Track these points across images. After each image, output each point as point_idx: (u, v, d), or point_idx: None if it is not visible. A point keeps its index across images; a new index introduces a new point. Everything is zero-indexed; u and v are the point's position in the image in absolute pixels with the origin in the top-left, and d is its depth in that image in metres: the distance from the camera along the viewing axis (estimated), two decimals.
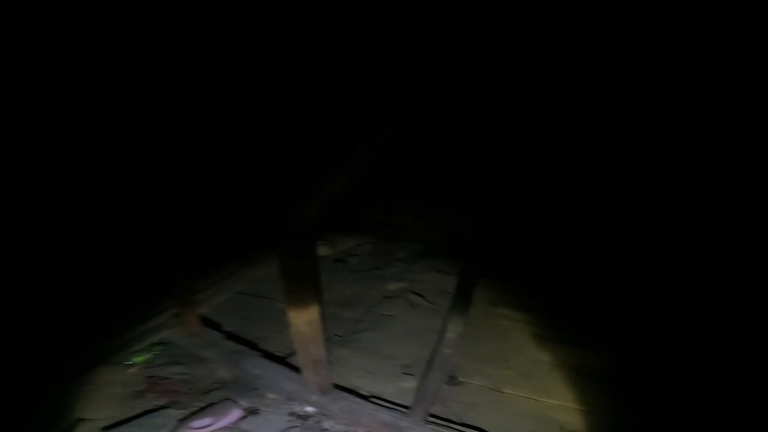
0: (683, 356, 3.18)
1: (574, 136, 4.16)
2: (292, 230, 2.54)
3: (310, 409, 3.03)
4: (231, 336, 3.68)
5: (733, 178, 3.28)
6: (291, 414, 2.98)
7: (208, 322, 3.82)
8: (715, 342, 3.15)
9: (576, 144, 4.23)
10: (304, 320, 2.77)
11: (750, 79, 2.60)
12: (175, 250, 3.33)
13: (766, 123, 2.84)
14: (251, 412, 2.95)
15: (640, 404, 2.95)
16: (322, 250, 5.36)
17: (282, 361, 3.41)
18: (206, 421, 2.73)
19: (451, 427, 2.82)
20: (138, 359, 3.22)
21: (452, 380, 3.26)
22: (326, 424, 2.91)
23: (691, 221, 3.64)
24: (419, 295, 4.47)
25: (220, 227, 4.20)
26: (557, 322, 3.79)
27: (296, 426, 2.87)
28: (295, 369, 3.14)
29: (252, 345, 3.59)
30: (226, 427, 2.78)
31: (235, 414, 2.86)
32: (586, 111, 3.79)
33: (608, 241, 4.19)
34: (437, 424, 2.83)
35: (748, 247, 3.22)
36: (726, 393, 2.86)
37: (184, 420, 2.74)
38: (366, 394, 3.16)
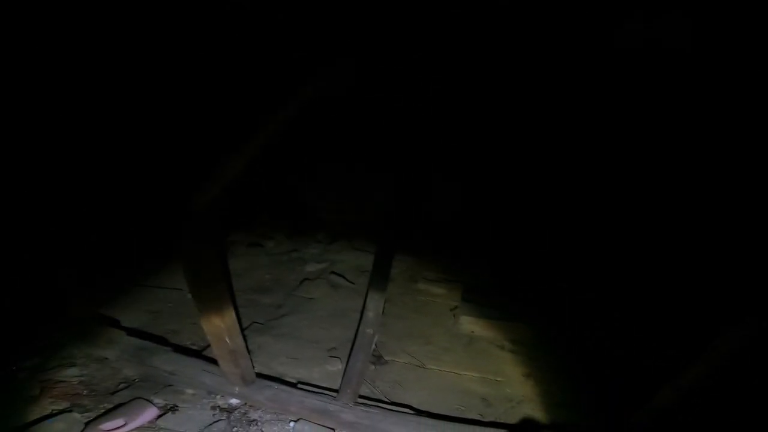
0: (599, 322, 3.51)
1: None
2: (192, 215, 2.38)
3: (234, 401, 2.87)
4: (135, 332, 3.34)
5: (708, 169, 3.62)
6: (214, 408, 2.80)
7: (107, 320, 3.44)
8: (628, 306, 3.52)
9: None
10: (213, 309, 2.62)
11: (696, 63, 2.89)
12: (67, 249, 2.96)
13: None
14: (169, 409, 2.72)
15: (560, 371, 3.22)
16: (236, 236, 5.09)
17: (197, 354, 3.19)
18: (118, 422, 2.47)
19: (381, 407, 2.84)
20: (26, 364, 2.80)
21: (378, 360, 3.29)
22: (254, 415, 2.78)
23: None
24: (340, 275, 4.42)
25: (118, 220, 3.80)
26: (473, 295, 3.97)
27: (222, 419, 2.71)
28: (213, 361, 2.94)
29: (161, 340, 3.30)
30: (141, 427, 2.53)
31: (150, 413, 2.62)
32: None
33: (523, 212, 4.45)
34: (367, 405, 2.84)
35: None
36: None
37: (91, 422, 2.44)
38: (292, 380, 3.07)
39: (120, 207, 3.81)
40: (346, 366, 3.15)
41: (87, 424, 2.43)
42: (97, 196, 3.53)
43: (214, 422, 2.67)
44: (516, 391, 3.06)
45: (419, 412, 2.84)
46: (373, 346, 3.38)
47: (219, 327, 2.65)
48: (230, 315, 2.68)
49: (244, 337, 3.28)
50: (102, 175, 3.44)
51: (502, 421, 2.83)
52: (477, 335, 3.54)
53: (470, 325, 3.60)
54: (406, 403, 2.93)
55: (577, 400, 2.98)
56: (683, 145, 3.63)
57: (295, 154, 4.89)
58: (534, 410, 2.91)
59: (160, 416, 2.64)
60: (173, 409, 2.72)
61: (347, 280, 4.37)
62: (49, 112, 2.87)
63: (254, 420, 2.74)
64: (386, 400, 2.96)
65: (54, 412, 2.47)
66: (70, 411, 2.51)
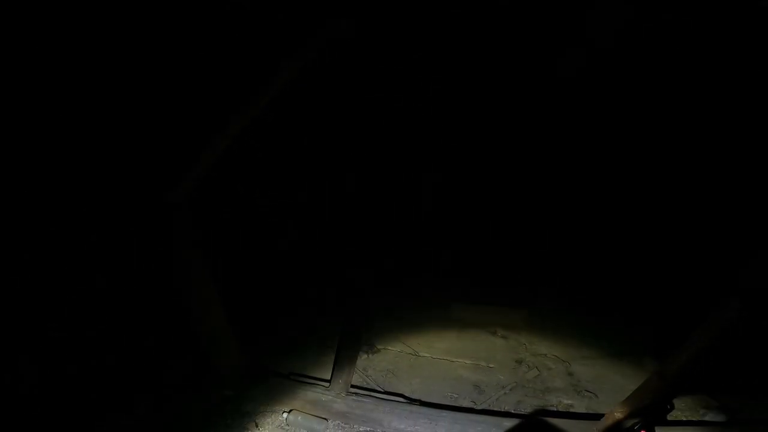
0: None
1: None
2: (168, 204, 2.32)
3: (228, 393, 2.88)
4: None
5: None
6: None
7: None
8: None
9: None
10: (196, 298, 2.60)
11: None
12: None
13: None
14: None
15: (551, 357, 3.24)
16: None
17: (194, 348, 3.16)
18: None
19: (373, 396, 2.86)
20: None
21: (371, 348, 3.29)
22: (247, 407, 2.79)
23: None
24: None
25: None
26: (462, 281, 3.97)
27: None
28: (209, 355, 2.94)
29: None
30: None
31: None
32: None
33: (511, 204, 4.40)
34: (359, 394, 2.85)
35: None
36: None
37: None
38: (284, 372, 3.07)
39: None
40: (337, 356, 3.16)
41: None
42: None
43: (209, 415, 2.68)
44: (508, 377, 3.07)
45: (411, 401, 2.85)
46: (366, 335, 3.40)
47: (206, 320, 2.65)
48: (217, 306, 2.66)
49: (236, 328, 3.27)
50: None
51: (494, 408, 2.86)
52: (468, 321, 3.54)
53: (462, 312, 3.60)
54: (398, 391, 2.94)
55: (570, 386, 3.01)
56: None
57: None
58: (526, 396, 2.93)
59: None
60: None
61: None
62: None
63: (248, 412, 2.75)
64: (379, 389, 2.97)
65: None
66: None
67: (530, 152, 4.08)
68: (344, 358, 3.10)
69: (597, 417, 2.64)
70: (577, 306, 3.68)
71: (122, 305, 3.07)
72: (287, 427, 2.67)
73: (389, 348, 3.32)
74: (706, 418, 2.69)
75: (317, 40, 2.02)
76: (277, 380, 2.91)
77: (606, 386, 2.97)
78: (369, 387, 2.98)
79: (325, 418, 2.73)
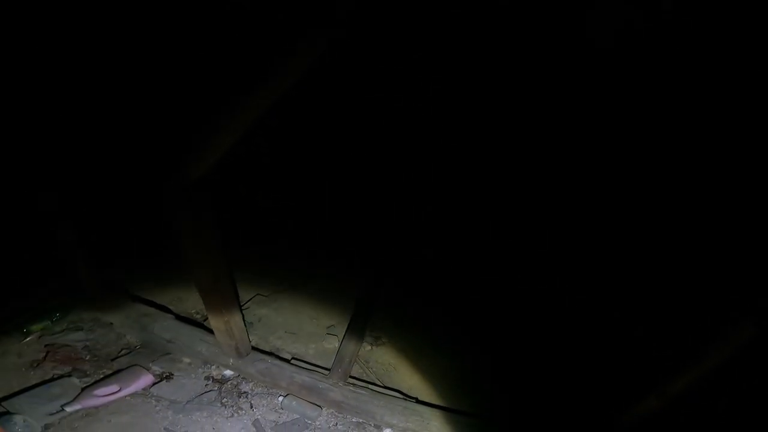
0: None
1: None
2: (188, 182, 2.36)
3: (228, 372, 2.95)
4: (140, 299, 3.45)
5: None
6: (207, 378, 2.89)
7: (116, 285, 3.56)
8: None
9: None
10: (209, 279, 2.64)
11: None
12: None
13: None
14: (164, 377, 2.82)
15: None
16: None
17: (198, 324, 3.26)
18: (112, 387, 2.57)
19: (370, 389, 2.85)
20: (35, 327, 2.94)
21: (376, 341, 3.29)
22: (245, 387, 2.85)
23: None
24: None
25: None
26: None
27: (213, 390, 2.79)
28: (212, 332, 3.02)
29: (164, 308, 3.40)
30: (135, 394, 2.64)
31: (145, 380, 2.72)
32: None
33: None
34: (356, 385, 2.86)
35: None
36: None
37: (87, 388, 2.56)
38: (287, 355, 3.12)
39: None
40: (340, 345, 3.18)
41: (83, 389, 2.55)
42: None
43: (206, 392, 2.76)
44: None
45: (407, 397, 2.83)
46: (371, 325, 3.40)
47: (215, 297, 2.70)
48: (227, 285, 2.70)
49: (245, 310, 3.36)
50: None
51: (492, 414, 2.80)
52: None
53: None
54: (396, 387, 2.93)
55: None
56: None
57: None
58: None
59: (154, 384, 2.74)
60: (168, 377, 2.82)
61: None
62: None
63: (245, 392, 2.81)
64: (378, 382, 2.97)
65: (55, 376, 2.61)
66: (70, 376, 2.63)
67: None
68: (347, 348, 3.11)
69: None
70: None
71: None
72: (281, 411, 2.71)
73: (394, 343, 3.30)
74: None
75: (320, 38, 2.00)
76: (278, 363, 2.94)
77: None
78: (368, 379, 2.98)
79: (320, 406, 2.76)
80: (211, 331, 3.04)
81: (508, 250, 4.08)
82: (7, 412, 2.18)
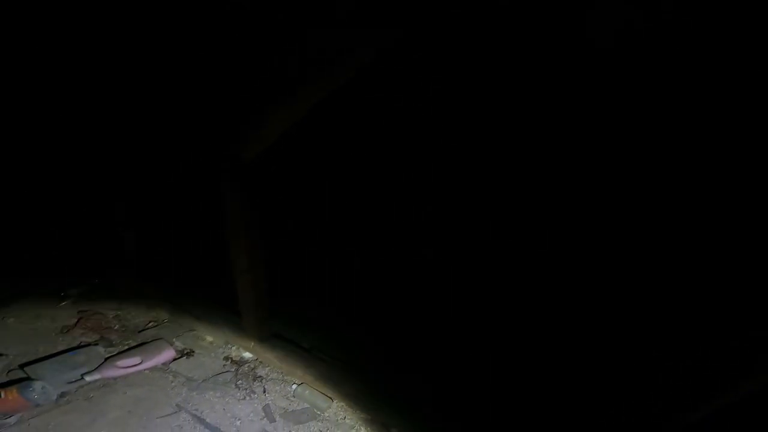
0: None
1: None
2: (238, 166, 2.37)
3: (247, 355, 3.00)
4: (176, 276, 3.56)
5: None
6: (226, 358, 2.94)
7: (153, 264, 3.70)
8: None
9: None
10: (246, 262, 2.66)
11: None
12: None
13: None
14: (185, 353, 2.90)
15: None
16: None
17: (226, 304, 3.32)
18: (134, 360, 2.67)
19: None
20: (72, 291, 3.10)
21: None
22: (261, 372, 2.88)
23: None
24: None
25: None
26: None
27: (229, 371, 2.84)
28: (239, 313, 3.06)
29: (197, 285, 3.49)
30: (155, 368, 2.73)
31: (166, 354, 2.81)
32: None
33: None
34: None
35: None
36: None
37: (110, 358, 2.67)
38: (306, 345, 3.12)
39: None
40: (360, 342, 3.14)
41: (107, 359, 2.66)
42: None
43: (222, 372, 2.81)
44: None
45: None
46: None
47: (248, 278, 2.73)
48: (260, 267, 2.73)
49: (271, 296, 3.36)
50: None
51: None
52: None
53: None
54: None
55: None
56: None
57: None
58: None
59: (175, 359, 2.82)
60: (189, 354, 2.90)
61: None
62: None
63: (260, 376, 2.83)
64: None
65: (82, 344, 2.74)
66: (96, 344, 2.76)
67: None
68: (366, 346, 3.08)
69: None
70: None
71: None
72: (292, 399, 2.72)
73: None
74: None
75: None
76: (297, 351, 2.96)
77: None
78: None
79: (331, 398, 2.75)
80: (237, 313, 3.10)
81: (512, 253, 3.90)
82: (28, 378, 2.31)
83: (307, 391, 2.76)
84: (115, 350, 2.78)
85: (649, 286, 3.01)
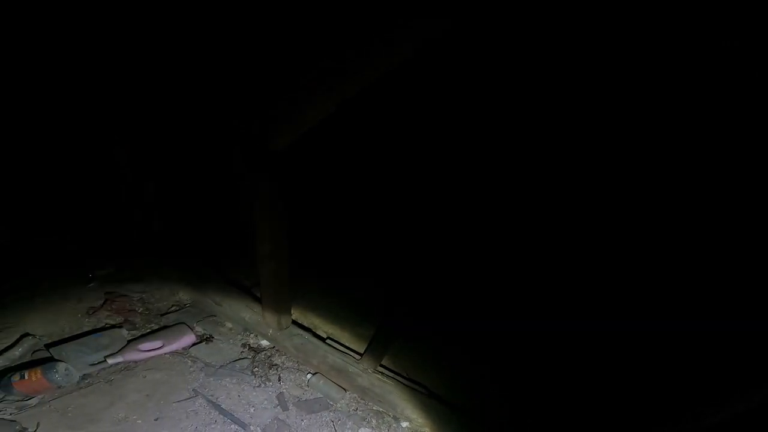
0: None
1: None
2: (268, 154, 2.37)
3: (264, 342, 3.05)
4: (200, 261, 3.64)
5: None
6: (244, 345, 3.00)
7: (182, 249, 3.78)
8: None
9: None
10: (269, 249, 2.69)
11: None
12: None
13: None
14: (205, 339, 2.97)
15: None
16: None
17: (247, 290, 3.38)
18: (156, 344, 2.75)
19: (396, 379, 2.81)
20: (100, 272, 3.20)
21: (410, 335, 3.22)
22: (277, 360, 2.93)
23: None
24: None
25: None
26: None
27: (246, 358, 2.90)
28: (259, 300, 3.11)
29: (220, 271, 3.55)
30: (174, 352, 2.81)
31: (187, 339, 2.88)
32: None
33: None
34: (384, 374, 2.83)
35: None
36: None
37: (133, 341, 2.76)
38: (323, 334, 3.15)
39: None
40: (375, 333, 3.15)
41: (129, 342, 2.75)
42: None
43: (239, 359, 2.87)
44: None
45: (431, 394, 2.76)
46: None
47: (271, 265, 2.76)
48: (284, 254, 2.75)
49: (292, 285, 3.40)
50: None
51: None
52: None
53: None
54: (422, 382, 2.86)
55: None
56: None
57: None
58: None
59: (194, 344, 2.90)
60: (208, 339, 2.97)
61: None
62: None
63: (276, 364, 2.89)
64: (405, 375, 2.91)
65: (106, 326, 2.83)
66: (120, 327, 2.85)
67: None
68: (381, 338, 3.09)
69: None
70: None
71: None
72: (306, 388, 2.76)
73: (423, 341, 3.21)
74: None
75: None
76: (314, 341, 2.99)
77: None
78: (396, 370, 2.93)
79: (344, 389, 2.78)
80: (257, 300, 3.16)
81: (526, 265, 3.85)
82: (52, 359, 2.41)
83: (321, 381, 2.80)
84: (137, 333, 2.87)
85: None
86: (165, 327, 2.95)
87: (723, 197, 2.75)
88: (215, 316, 3.17)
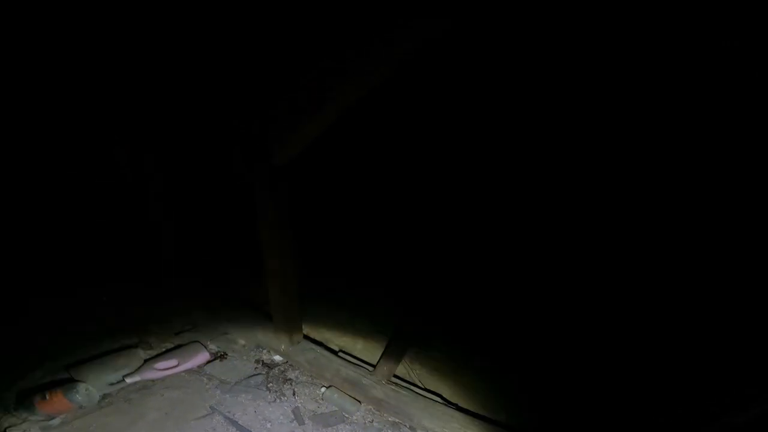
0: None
1: None
2: (272, 169, 2.41)
3: (277, 358, 3.08)
4: (212, 281, 3.68)
5: None
6: (258, 361, 3.03)
7: (193, 270, 3.83)
8: None
9: None
10: (278, 263, 2.73)
11: None
12: None
13: None
14: (218, 356, 3.00)
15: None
16: None
17: (258, 307, 3.42)
18: (171, 362, 2.78)
19: (411, 390, 2.83)
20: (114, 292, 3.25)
21: (423, 344, 3.24)
22: (291, 374, 2.95)
23: None
24: None
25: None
26: None
27: (261, 374, 2.92)
28: (270, 317, 3.14)
29: (231, 288, 3.60)
30: (190, 370, 2.83)
31: (201, 357, 2.91)
32: None
33: None
34: (398, 385, 2.85)
35: None
36: None
37: (149, 360, 2.79)
38: (335, 347, 3.18)
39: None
40: (388, 344, 3.17)
41: (146, 361, 2.79)
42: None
43: (254, 375, 2.89)
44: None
45: (448, 403, 2.77)
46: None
47: (279, 281, 2.80)
48: (292, 270, 2.79)
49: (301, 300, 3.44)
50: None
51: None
52: None
53: None
54: (438, 391, 2.88)
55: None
56: None
57: None
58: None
59: (209, 362, 2.92)
60: (222, 356, 2.99)
61: None
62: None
63: (290, 379, 2.91)
64: (420, 384, 2.93)
65: (123, 346, 2.87)
66: (136, 346, 2.88)
67: None
68: (394, 348, 3.11)
69: None
70: None
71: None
72: (321, 401, 2.78)
73: (437, 349, 3.23)
74: None
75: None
76: (327, 355, 3.01)
77: None
78: (411, 381, 2.95)
79: (359, 401, 2.79)
80: (268, 317, 3.19)
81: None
82: (72, 380, 2.45)
83: (335, 394, 2.81)
84: (153, 352, 2.90)
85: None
86: (179, 346, 2.98)
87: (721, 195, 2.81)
88: (228, 333, 3.20)
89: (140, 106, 3.24)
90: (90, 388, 2.37)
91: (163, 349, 2.95)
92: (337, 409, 2.76)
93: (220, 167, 3.79)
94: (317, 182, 4.50)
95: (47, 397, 2.24)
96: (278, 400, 2.74)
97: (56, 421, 2.27)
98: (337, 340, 3.25)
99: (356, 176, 4.57)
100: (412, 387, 2.88)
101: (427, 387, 2.91)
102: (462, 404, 2.79)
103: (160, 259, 3.72)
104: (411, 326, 3.37)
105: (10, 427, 2.20)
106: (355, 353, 3.14)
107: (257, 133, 2.38)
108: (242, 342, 3.16)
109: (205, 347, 3.00)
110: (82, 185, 3.45)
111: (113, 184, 3.47)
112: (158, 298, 3.41)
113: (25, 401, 2.25)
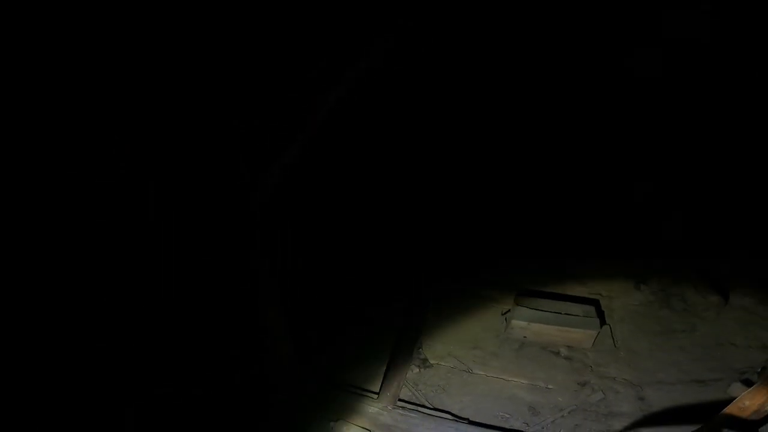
0: None
1: None
2: (263, 200, 2.45)
3: (280, 397, 2.97)
4: None
5: None
6: None
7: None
8: None
9: None
10: (263, 303, 2.72)
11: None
12: None
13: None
14: None
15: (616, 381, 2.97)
16: None
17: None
18: None
19: (420, 411, 2.79)
20: None
21: (423, 363, 3.22)
22: (296, 415, 2.85)
23: None
24: None
25: None
26: (527, 298, 3.73)
27: None
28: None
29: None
30: None
31: None
32: None
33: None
34: (406, 408, 2.80)
35: None
36: None
37: None
38: (336, 381, 3.10)
39: None
40: (387, 368, 3.13)
41: None
42: None
43: None
44: (568, 399, 2.85)
45: (459, 419, 2.74)
46: (419, 348, 3.34)
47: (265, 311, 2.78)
48: (275, 298, 2.77)
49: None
50: None
51: (548, 431, 2.66)
52: (529, 340, 3.32)
53: (522, 330, 3.36)
54: (447, 408, 2.84)
55: (639, 411, 2.72)
56: None
57: None
58: (585, 420, 2.69)
59: None
60: None
61: None
62: None
63: (295, 419, 2.80)
64: (428, 404, 2.89)
65: None
66: None
67: None
68: (394, 371, 3.07)
69: None
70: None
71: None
72: None
73: (442, 363, 3.21)
74: None
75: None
76: (328, 389, 2.95)
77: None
78: (417, 402, 2.91)
79: (370, 430, 2.72)
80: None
81: None
82: None
83: (344, 427, 2.73)
84: None
85: None
86: None
87: None
88: None
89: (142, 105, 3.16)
90: None
91: None
92: None
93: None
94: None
95: None
96: None
97: None
98: (336, 373, 3.16)
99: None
100: (419, 408, 2.83)
101: (435, 405, 2.87)
102: (472, 418, 2.76)
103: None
104: (409, 345, 3.33)
105: None
106: (357, 383, 3.06)
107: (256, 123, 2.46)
108: None
109: None
110: None
111: None
112: None
113: None
